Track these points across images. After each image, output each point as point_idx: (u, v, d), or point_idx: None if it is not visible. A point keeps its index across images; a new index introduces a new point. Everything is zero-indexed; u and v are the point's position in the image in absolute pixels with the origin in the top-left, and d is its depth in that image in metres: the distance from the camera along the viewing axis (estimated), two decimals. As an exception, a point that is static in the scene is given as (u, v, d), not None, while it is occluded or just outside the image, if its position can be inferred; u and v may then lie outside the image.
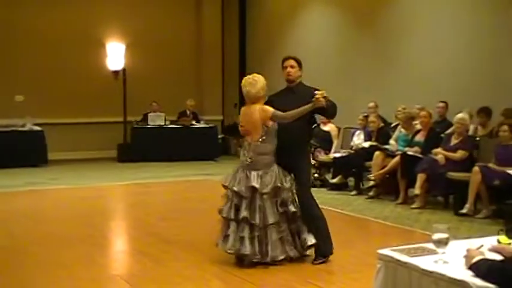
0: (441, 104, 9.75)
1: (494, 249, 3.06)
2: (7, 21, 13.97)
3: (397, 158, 9.05)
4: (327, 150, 10.57)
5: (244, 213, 5.57)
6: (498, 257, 2.93)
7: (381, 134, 9.91)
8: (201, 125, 14.69)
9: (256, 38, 15.95)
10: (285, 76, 5.90)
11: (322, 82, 6.03)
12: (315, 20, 13.70)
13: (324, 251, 5.75)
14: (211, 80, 16.26)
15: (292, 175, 5.75)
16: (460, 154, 8.36)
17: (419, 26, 11.03)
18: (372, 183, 9.50)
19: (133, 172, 12.54)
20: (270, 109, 5.66)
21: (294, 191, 5.72)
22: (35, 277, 5.51)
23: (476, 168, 7.82)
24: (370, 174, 9.51)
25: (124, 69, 14.77)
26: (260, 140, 5.68)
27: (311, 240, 5.70)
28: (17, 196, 9.91)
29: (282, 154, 5.72)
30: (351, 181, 10.19)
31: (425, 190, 8.62)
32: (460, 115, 8.56)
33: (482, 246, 3.12)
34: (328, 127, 10.67)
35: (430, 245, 3.16)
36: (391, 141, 9.64)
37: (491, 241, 3.30)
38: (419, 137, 9.15)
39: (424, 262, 3.05)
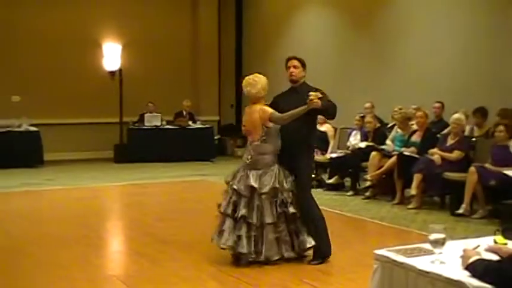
0: (437, 105, 9.77)
1: (490, 250, 3.06)
2: (3, 22, 13.93)
3: (393, 159, 9.06)
4: (324, 150, 10.57)
5: (242, 211, 5.59)
6: (495, 257, 2.93)
7: (378, 135, 9.92)
8: (198, 125, 14.67)
9: (253, 39, 15.95)
10: (288, 76, 5.89)
11: (319, 83, 6.00)
12: (312, 21, 13.71)
13: (322, 252, 5.75)
14: (207, 80, 16.25)
15: (293, 176, 5.75)
16: (456, 154, 8.37)
17: (415, 27, 11.05)
18: (368, 183, 9.51)
19: (129, 173, 12.53)
20: (269, 110, 5.68)
21: (295, 191, 5.72)
22: (31, 277, 5.49)
23: (472, 169, 7.83)
24: (367, 174, 9.52)
25: (120, 70, 14.75)
26: (260, 140, 5.70)
27: (310, 242, 5.70)
28: (12, 197, 9.89)
29: (284, 154, 5.75)
30: (348, 181, 10.19)
31: (422, 190, 8.63)
32: (456, 115, 8.57)
33: (478, 246, 3.12)
34: (325, 127, 10.67)
35: (427, 246, 3.17)
36: (388, 142, 9.65)
37: (487, 241, 3.30)
38: (415, 138, 9.16)
39: (420, 262, 3.05)
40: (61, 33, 14.35)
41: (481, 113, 8.93)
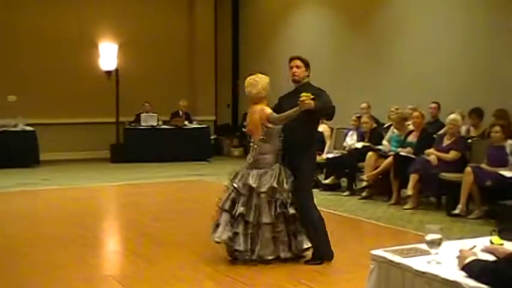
0: (433, 105, 9.78)
1: (486, 250, 3.06)
2: (-1, 22, 13.94)
3: (389, 159, 9.07)
4: (320, 150, 10.55)
5: (240, 209, 5.62)
6: (491, 258, 2.94)
7: (374, 135, 9.93)
8: (194, 125, 14.67)
9: (249, 38, 15.95)
10: (290, 76, 5.87)
11: (315, 82, 6.00)
12: (308, 21, 13.71)
13: (321, 253, 5.74)
14: (204, 80, 16.25)
15: (294, 177, 5.75)
16: (452, 155, 8.38)
17: (412, 27, 11.06)
18: (364, 183, 9.51)
19: (125, 173, 12.51)
20: (268, 111, 5.71)
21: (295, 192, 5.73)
22: (27, 278, 5.48)
23: (468, 169, 7.84)
24: (363, 174, 9.52)
25: (117, 70, 14.73)
26: (261, 139, 5.73)
27: (307, 243, 5.73)
28: (8, 197, 9.87)
29: (287, 155, 5.78)
30: (344, 182, 10.20)
31: (418, 191, 8.64)
32: (452, 116, 8.59)
33: (475, 246, 3.13)
34: (321, 128, 10.64)
35: (423, 246, 3.17)
36: (384, 142, 9.66)
37: (483, 242, 3.30)
38: (411, 138, 9.17)
39: (417, 263, 3.05)
40: (57, 33, 14.32)
41: (476, 113, 8.95)
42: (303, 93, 5.42)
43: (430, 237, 3.04)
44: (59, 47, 14.31)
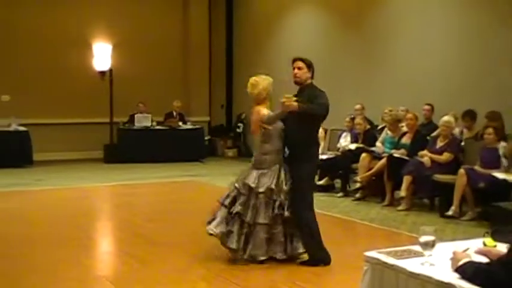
0: (427, 107, 9.79)
1: (480, 252, 3.07)
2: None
3: (383, 160, 9.09)
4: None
5: (238, 208, 5.66)
6: (484, 260, 2.94)
7: (368, 136, 9.94)
8: (188, 126, 14.66)
9: (244, 39, 15.95)
10: (292, 77, 5.86)
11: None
12: (302, 21, 13.72)
13: (315, 254, 5.74)
14: (198, 80, 16.23)
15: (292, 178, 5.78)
16: (445, 156, 8.41)
17: (406, 28, 11.08)
18: (358, 185, 9.52)
19: (119, 173, 12.49)
20: (263, 112, 5.76)
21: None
22: (20, 278, 5.47)
23: (461, 171, 7.87)
24: (357, 176, 9.54)
25: (111, 70, 14.70)
26: (261, 140, 5.79)
27: (302, 248, 5.75)
28: (1, 197, 9.81)
29: (288, 156, 5.81)
30: (338, 183, 10.21)
31: (411, 192, 8.66)
32: (445, 118, 8.61)
33: (468, 248, 3.13)
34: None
35: (417, 247, 3.17)
36: (378, 144, 9.67)
37: (476, 243, 3.31)
38: (405, 139, 9.19)
39: (410, 264, 3.05)
40: (51, 33, 14.28)
41: (469, 116, 8.97)
42: (285, 95, 5.48)
43: (424, 238, 3.04)
44: (53, 47, 14.27)
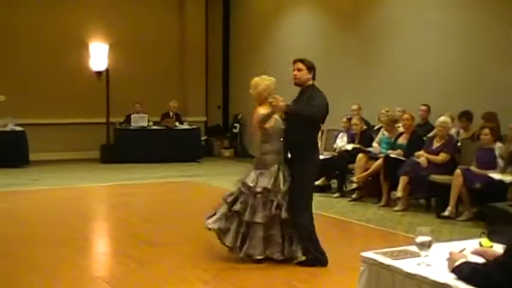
0: (423, 107, 9.81)
1: (476, 252, 3.07)
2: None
3: (379, 161, 9.10)
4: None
5: (237, 206, 5.72)
6: (481, 260, 2.95)
7: (364, 137, 9.95)
8: (184, 126, 14.65)
9: (240, 39, 15.94)
10: (293, 79, 5.87)
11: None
12: (299, 21, 13.73)
13: (313, 258, 5.74)
14: (194, 81, 16.22)
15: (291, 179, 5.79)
16: (442, 157, 8.42)
17: (402, 28, 11.09)
18: (354, 185, 9.53)
19: (116, 173, 12.47)
20: (259, 112, 5.77)
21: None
22: (15, 279, 5.45)
23: (458, 171, 7.88)
24: (353, 176, 9.55)
25: (107, 70, 14.68)
26: (261, 140, 5.84)
27: (301, 256, 5.76)
28: (-3, 197, 9.82)
29: (286, 157, 5.82)
30: (334, 183, 10.20)
31: (408, 193, 8.67)
32: (442, 118, 8.62)
33: (464, 249, 3.14)
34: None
35: (413, 248, 3.17)
36: (374, 144, 9.68)
37: (473, 244, 3.31)
38: (401, 140, 9.20)
39: (407, 265, 3.05)
40: (47, 33, 14.25)
41: (466, 117, 8.99)
42: (273, 95, 5.56)
43: (420, 239, 3.05)
44: (49, 48, 14.24)
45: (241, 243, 5.73)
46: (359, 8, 12.07)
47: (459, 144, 8.75)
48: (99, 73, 14.75)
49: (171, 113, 14.63)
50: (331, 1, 12.91)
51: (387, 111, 9.88)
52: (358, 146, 9.81)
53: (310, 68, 5.79)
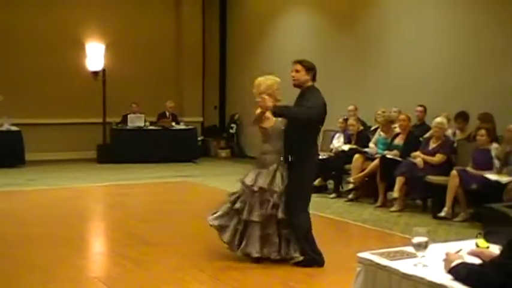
0: (420, 108, 9.82)
1: (473, 253, 3.08)
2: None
3: (376, 161, 9.11)
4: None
5: (237, 205, 5.78)
6: (477, 261, 2.95)
7: (361, 137, 9.96)
8: (181, 126, 14.64)
9: (237, 39, 15.94)
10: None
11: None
12: (295, 23, 13.73)
13: (310, 258, 5.74)
14: (191, 81, 16.21)
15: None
16: (438, 158, 8.43)
17: (399, 29, 11.10)
18: (351, 186, 9.54)
19: (112, 173, 12.45)
20: (257, 111, 5.78)
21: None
22: (11, 279, 5.44)
23: (454, 172, 7.89)
24: (350, 177, 9.55)
25: (104, 70, 14.66)
26: (261, 140, 5.90)
27: (298, 257, 5.77)
28: (-7, 197, 9.80)
29: (285, 157, 5.83)
30: (331, 184, 10.22)
31: (404, 193, 8.68)
32: (438, 119, 8.64)
33: (461, 250, 3.15)
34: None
35: (410, 249, 3.18)
36: (371, 145, 9.70)
37: (469, 244, 3.32)
38: (398, 141, 9.21)
39: (403, 265, 3.06)
40: (43, 33, 14.22)
41: (462, 117, 9.00)
42: (261, 95, 5.62)
43: (416, 240, 3.05)
44: (45, 47, 14.22)
45: (239, 241, 5.78)
46: (355, 9, 12.08)
47: (455, 145, 8.76)
48: (95, 73, 14.73)
49: (167, 113, 14.62)
50: (328, 2, 12.92)
51: (383, 112, 9.90)
52: (354, 146, 9.82)
53: (309, 69, 5.77)
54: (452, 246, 3.28)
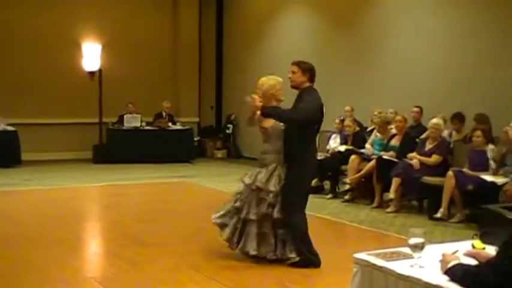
0: (416, 109, 9.83)
1: (469, 254, 3.08)
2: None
3: (372, 162, 9.11)
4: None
5: (238, 203, 5.83)
6: (473, 262, 2.96)
7: (357, 138, 9.97)
8: (177, 127, 14.63)
9: (233, 39, 15.93)
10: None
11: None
12: (293, 22, 13.74)
13: (306, 259, 5.74)
14: (187, 81, 16.20)
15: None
16: (434, 159, 8.45)
17: (396, 30, 11.12)
18: (347, 186, 9.55)
19: (108, 173, 12.44)
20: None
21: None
22: (7, 279, 5.43)
23: (450, 173, 7.90)
24: (346, 177, 9.56)
25: (100, 70, 14.64)
26: (262, 139, 5.94)
27: (294, 258, 5.77)
28: (-11, 197, 9.77)
29: (286, 158, 5.84)
30: (327, 184, 10.22)
31: (400, 194, 8.69)
32: (434, 120, 8.65)
33: (457, 251, 3.15)
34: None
35: (406, 249, 3.18)
36: (367, 145, 9.70)
37: (465, 245, 3.33)
38: (394, 142, 9.23)
39: (400, 266, 3.06)
40: (40, 33, 14.20)
41: (458, 119, 9.03)
42: (251, 95, 5.69)
43: (413, 240, 3.05)
44: (42, 47, 14.19)
45: (237, 240, 5.83)
46: (353, 9, 12.09)
47: (451, 146, 8.78)
48: (92, 73, 14.72)
49: (163, 114, 14.61)
50: (325, 2, 12.93)
51: (380, 113, 9.91)
52: (351, 147, 9.83)
53: (305, 70, 5.77)
54: (448, 247, 3.28)
